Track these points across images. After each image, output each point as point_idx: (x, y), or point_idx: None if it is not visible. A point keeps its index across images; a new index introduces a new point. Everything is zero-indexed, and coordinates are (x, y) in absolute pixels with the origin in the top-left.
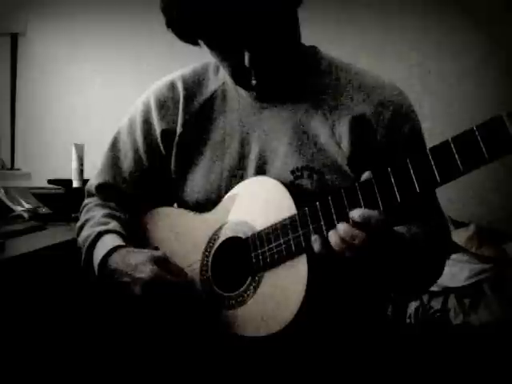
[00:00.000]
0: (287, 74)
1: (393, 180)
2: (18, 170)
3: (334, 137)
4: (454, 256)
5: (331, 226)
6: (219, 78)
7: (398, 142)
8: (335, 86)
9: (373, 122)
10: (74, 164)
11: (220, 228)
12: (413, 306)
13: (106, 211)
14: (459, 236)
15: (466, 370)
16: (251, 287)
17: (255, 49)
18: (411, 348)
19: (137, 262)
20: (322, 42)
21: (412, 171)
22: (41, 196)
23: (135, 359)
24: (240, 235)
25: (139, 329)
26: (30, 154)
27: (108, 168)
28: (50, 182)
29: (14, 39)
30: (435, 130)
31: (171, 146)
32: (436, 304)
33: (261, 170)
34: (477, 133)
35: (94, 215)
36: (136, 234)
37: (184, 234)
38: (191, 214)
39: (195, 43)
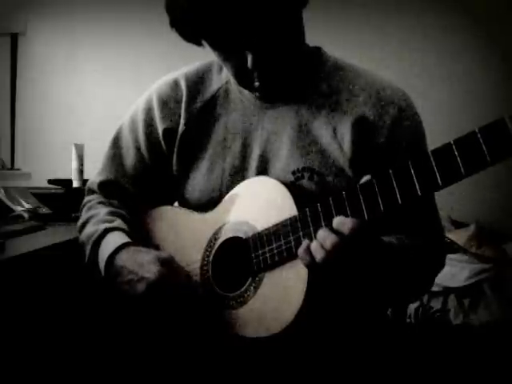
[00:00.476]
0: (291, 75)
1: (394, 182)
2: (18, 169)
3: (336, 138)
4: (454, 256)
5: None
6: (222, 77)
7: (400, 143)
8: (338, 87)
9: (375, 124)
10: (74, 164)
11: (221, 228)
12: (413, 306)
13: (110, 209)
14: (459, 236)
15: (466, 370)
16: (252, 287)
17: (258, 51)
18: (411, 348)
19: (144, 261)
20: (323, 42)
21: (413, 173)
22: (41, 196)
23: (136, 359)
24: (241, 235)
25: (140, 329)
26: (29, 154)
27: (110, 165)
28: (49, 182)
29: (14, 39)
30: (435, 130)
31: (173, 145)
32: (436, 304)
33: (262, 170)
34: (479, 135)
35: (97, 212)
36: (137, 233)
37: (184, 234)
38: (192, 213)
39: (199, 43)
